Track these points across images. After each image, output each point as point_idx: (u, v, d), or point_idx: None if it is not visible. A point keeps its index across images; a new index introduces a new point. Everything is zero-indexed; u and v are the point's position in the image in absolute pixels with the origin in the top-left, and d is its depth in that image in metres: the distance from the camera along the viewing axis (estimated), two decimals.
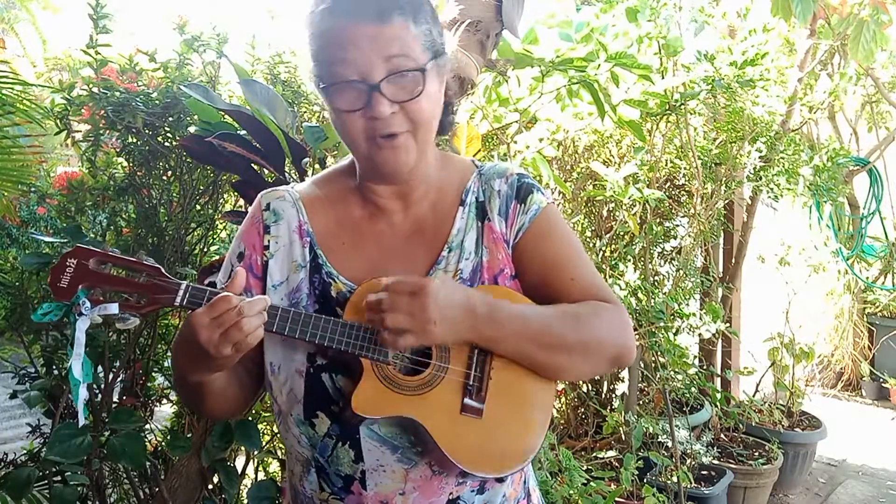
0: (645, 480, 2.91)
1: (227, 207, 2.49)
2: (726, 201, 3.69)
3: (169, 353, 2.49)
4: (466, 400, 1.06)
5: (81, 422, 1.07)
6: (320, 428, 1.09)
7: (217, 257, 2.22)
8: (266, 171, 1.95)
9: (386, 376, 1.05)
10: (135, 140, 2.11)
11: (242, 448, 2.36)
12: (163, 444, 2.34)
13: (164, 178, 2.23)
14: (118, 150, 2.17)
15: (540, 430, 1.11)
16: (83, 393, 1.03)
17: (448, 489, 1.11)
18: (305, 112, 2.51)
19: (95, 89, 2.01)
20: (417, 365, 1.08)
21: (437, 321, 1.00)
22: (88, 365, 1.04)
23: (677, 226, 3.60)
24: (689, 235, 3.37)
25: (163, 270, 1.03)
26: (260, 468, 2.55)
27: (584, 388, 3.59)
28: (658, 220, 3.44)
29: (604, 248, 3.35)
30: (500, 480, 1.15)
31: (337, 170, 1.23)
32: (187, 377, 1.07)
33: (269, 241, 1.15)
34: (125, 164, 2.21)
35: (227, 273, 1.17)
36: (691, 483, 3.05)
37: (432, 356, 1.07)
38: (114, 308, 1.01)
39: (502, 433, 1.08)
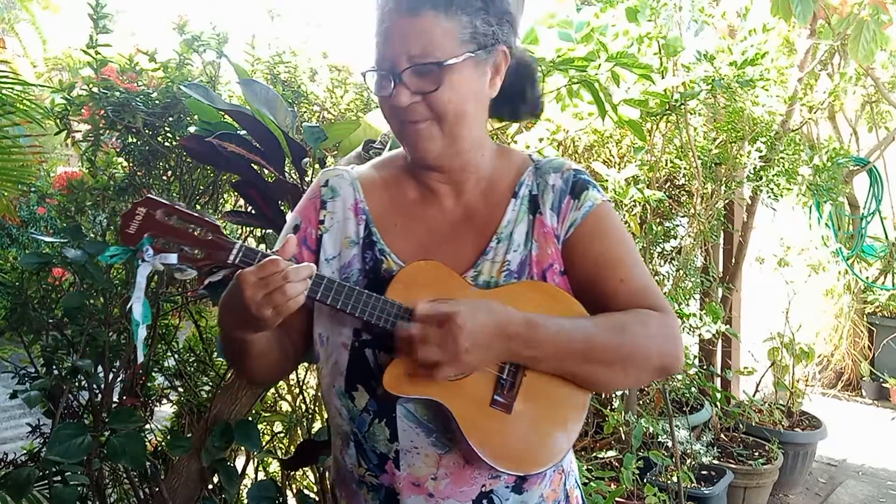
0: (645, 480, 2.91)
1: (227, 207, 2.49)
2: (726, 201, 3.69)
3: (169, 354, 2.50)
4: (497, 395, 1.07)
5: (140, 359, 1.16)
6: (359, 402, 1.12)
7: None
8: (266, 171, 1.94)
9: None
10: (135, 140, 2.10)
11: (242, 448, 2.36)
12: (163, 444, 2.34)
13: (164, 178, 2.23)
14: (118, 150, 2.17)
15: (568, 435, 1.10)
16: (142, 332, 1.09)
17: (480, 481, 1.11)
18: (305, 112, 2.51)
19: (95, 89, 2.01)
20: None
21: (469, 349, 1.01)
22: (147, 307, 1.09)
23: (677, 226, 3.60)
24: (689, 235, 3.37)
25: (221, 228, 1.06)
26: (260, 468, 2.55)
27: None
28: (658, 220, 3.44)
29: None
30: (525, 480, 1.14)
31: (395, 154, 1.27)
32: (231, 333, 1.10)
33: (324, 216, 1.19)
34: (125, 164, 2.21)
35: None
36: (691, 483, 3.05)
37: None
38: (173, 258, 1.05)
39: (529, 433, 1.08)
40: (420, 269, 1.09)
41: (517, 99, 1.21)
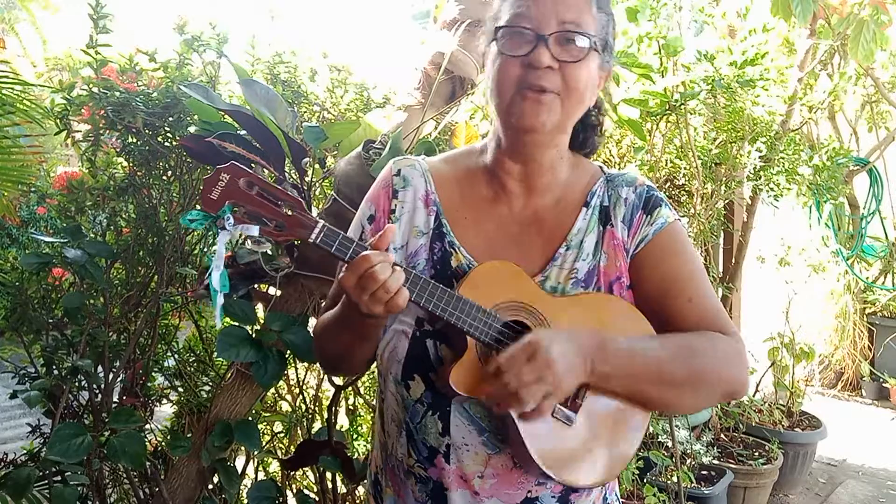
0: (645, 480, 2.91)
1: None
2: (726, 201, 3.69)
3: (169, 354, 2.50)
4: (559, 406, 1.06)
5: (219, 324, 1.16)
6: (414, 392, 1.11)
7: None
8: (266, 171, 1.94)
9: (488, 360, 1.05)
10: (135, 140, 2.10)
11: (242, 448, 2.36)
12: (163, 444, 2.34)
13: (164, 178, 2.23)
14: (118, 150, 2.17)
15: (625, 454, 1.10)
16: (220, 300, 1.08)
17: (527, 486, 1.11)
18: (305, 112, 2.50)
19: (95, 89, 2.00)
20: None
21: (564, 374, 0.99)
22: (225, 276, 1.08)
23: None
24: (690, 235, 3.37)
25: (304, 204, 1.05)
26: (260, 468, 2.54)
27: None
28: None
29: None
30: (572, 491, 1.14)
31: (467, 150, 1.26)
32: (361, 324, 1.09)
33: (395, 206, 1.19)
34: (125, 164, 2.21)
35: (357, 234, 1.20)
36: (691, 483, 3.05)
37: None
38: (254, 230, 1.03)
39: (587, 447, 1.08)
40: (494, 269, 1.08)
41: (589, 129, 1.22)
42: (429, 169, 1.21)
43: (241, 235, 1.05)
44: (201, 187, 1.03)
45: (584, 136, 1.22)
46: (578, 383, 1.03)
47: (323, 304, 1.33)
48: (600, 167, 1.24)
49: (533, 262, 1.14)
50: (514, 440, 1.06)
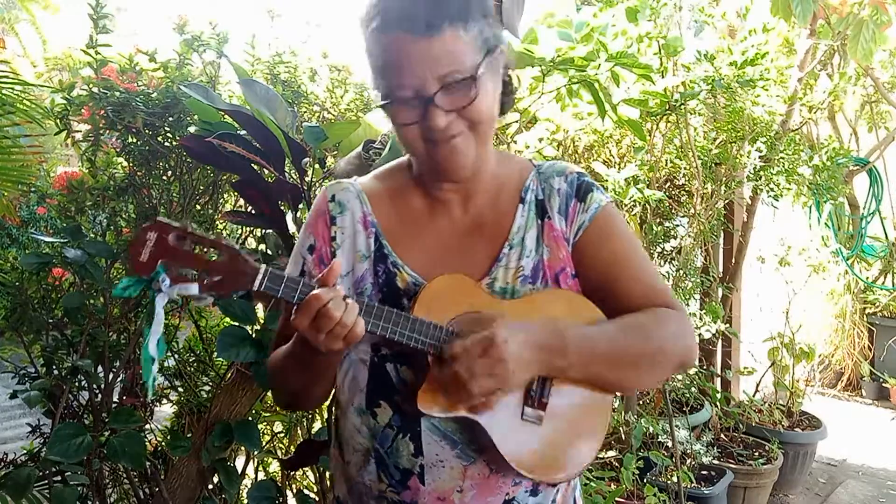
0: (645, 480, 2.90)
1: (227, 207, 2.49)
2: (726, 201, 3.69)
3: (169, 354, 2.50)
4: (527, 407, 1.07)
5: (150, 395, 1.10)
6: (382, 418, 1.10)
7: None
8: (266, 171, 1.95)
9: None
10: (135, 140, 2.11)
11: (242, 448, 2.36)
12: (163, 444, 2.34)
13: (164, 178, 2.23)
14: (118, 150, 2.17)
15: (596, 442, 1.12)
16: (154, 369, 1.02)
17: (505, 489, 1.11)
18: (305, 112, 2.51)
19: (95, 89, 2.01)
20: None
21: (516, 370, 1.01)
22: (163, 343, 1.03)
23: (677, 226, 3.60)
24: (689, 235, 3.37)
25: (240, 252, 1.00)
26: (260, 468, 2.55)
27: None
28: (658, 220, 3.44)
29: None
30: (552, 484, 1.16)
31: (396, 165, 1.25)
32: (313, 359, 1.07)
33: (335, 233, 1.16)
34: (125, 164, 2.21)
35: (299, 266, 1.17)
36: (691, 483, 3.05)
37: None
38: (194, 289, 0.98)
39: (560, 442, 1.10)
40: (444, 284, 1.08)
41: (505, 89, 1.17)
42: (363, 190, 1.19)
43: (178, 295, 0.99)
44: (128, 250, 0.97)
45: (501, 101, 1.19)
46: (530, 377, 1.05)
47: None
48: (530, 160, 1.24)
49: (478, 267, 1.14)
50: (487, 449, 1.07)
